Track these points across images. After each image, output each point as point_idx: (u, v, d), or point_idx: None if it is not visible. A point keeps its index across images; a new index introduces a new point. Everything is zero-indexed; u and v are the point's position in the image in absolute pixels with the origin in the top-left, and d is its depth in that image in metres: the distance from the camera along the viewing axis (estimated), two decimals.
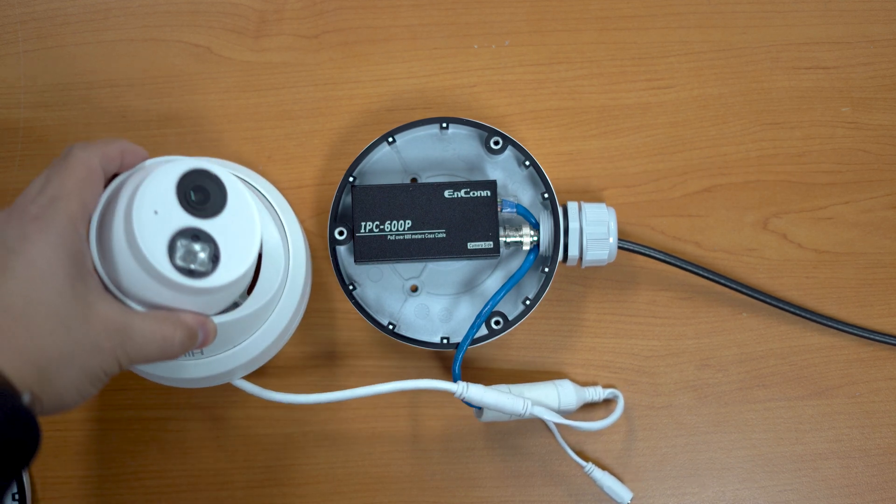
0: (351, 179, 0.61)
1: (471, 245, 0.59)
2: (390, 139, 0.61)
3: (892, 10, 0.67)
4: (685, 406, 0.64)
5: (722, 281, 0.63)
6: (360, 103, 0.66)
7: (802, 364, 0.64)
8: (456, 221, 0.59)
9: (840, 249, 0.65)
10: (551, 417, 0.59)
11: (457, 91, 0.66)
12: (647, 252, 0.62)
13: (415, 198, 0.59)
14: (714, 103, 0.66)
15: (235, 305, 0.55)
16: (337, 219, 0.61)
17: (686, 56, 0.66)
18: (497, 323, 0.60)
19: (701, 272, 0.62)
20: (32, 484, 0.63)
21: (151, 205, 0.49)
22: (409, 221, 0.59)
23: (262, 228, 0.53)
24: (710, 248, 0.65)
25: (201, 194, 0.51)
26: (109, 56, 0.66)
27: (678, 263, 0.62)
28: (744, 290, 0.63)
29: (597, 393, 0.62)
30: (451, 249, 0.59)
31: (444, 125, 0.61)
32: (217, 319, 0.54)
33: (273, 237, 0.56)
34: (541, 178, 0.60)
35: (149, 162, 0.53)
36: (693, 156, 0.66)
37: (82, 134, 0.65)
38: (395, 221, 0.59)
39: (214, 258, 0.50)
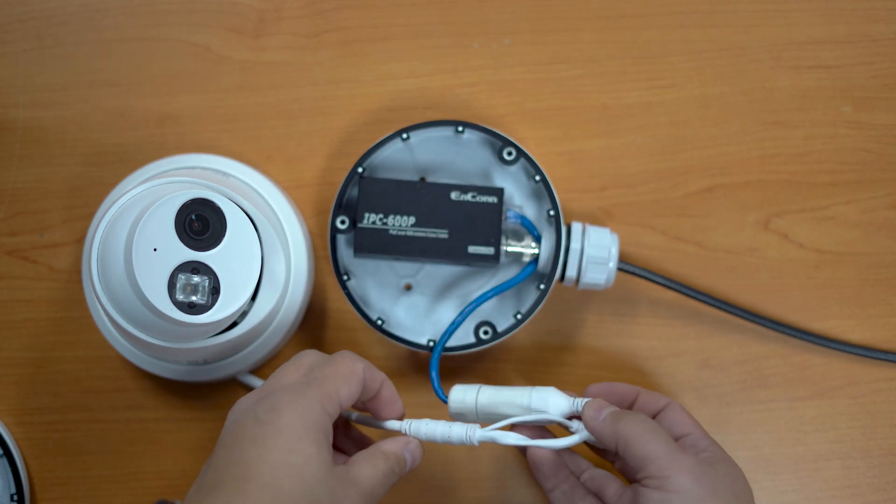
0: (360, 170, 0.60)
1: (471, 249, 0.59)
2: (404, 135, 0.60)
3: (893, 10, 0.66)
4: (686, 406, 0.63)
5: (725, 307, 0.62)
6: (359, 102, 0.66)
7: (804, 365, 0.64)
8: (459, 224, 0.59)
9: (842, 249, 0.65)
10: (505, 440, 0.53)
11: (457, 90, 0.66)
12: (648, 276, 0.61)
13: (421, 195, 0.59)
14: (715, 103, 0.66)
15: (243, 314, 0.55)
16: (341, 208, 0.60)
17: (687, 55, 0.66)
18: (486, 332, 0.60)
19: (701, 298, 0.62)
20: (31, 484, 0.63)
21: (150, 242, 0.50)
22: (413, 218, 0.59)
23: (263, 241, 0.53)
24: (712, 248, 0.65)
25: (201, 223, 0.51)
26: (108, 55, 0.66)
27: (679, 289, 0.62)
28: (747, 317, 0.63)
29: (580, 402, 0.55)
30: (451, 251, 0.59)
31: (460, 129, 0.60)
32: (220, 339, 0.54)
33: (274, 248, 0.56)
34: (549, 194, 0.60)
35: (154, 184, 0.53)
36: (694, 155, 0.65)
37: (81, 133, 0.65)
38: (398, 216, 0.59)
39: (215, 290, 0.51)
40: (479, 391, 0.55)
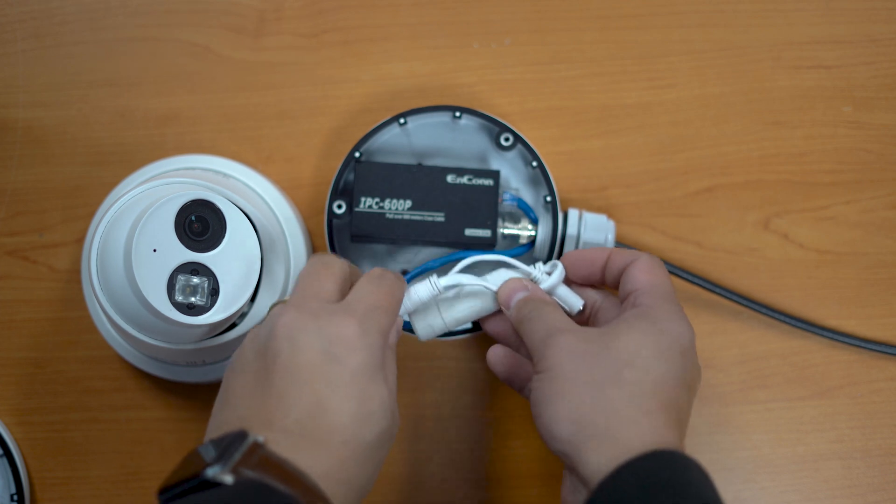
0: (357, 155, 0.60)
1: (468, 232, 0.59)
2: (402, 120, 0.60)
3: (893, 10, 0.66)
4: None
5: (720, 291, 0.62)
6: (359, 102, 0.66)
7: (803, 364, 0.64)
8: (456, 206, 0.59)
9: (842, 249, 0.65)
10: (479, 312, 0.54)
11: (457, 90, 0.66)
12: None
13: (417, 179, 0.59)
14: (715, 103, 0.66)
15: (243, 315, 0.55)
16: (338, 193, 0.60)
17: (687, 55, 0.66)
18: None
19: (699, 282, 0.62)
20: (31, 484, 0.63)
21: (150, 243, 0.50)
22: (410, 201, 0.59)
23: (262, 242, 0.53)
24: (712, 248, 0.65)
25: (201, 224, 0.51)
26: (108, 55, 0.66)
27: (676, 271, 0.62)
28: (741, 301, 0.63)
29: (537, 269, 0.54)
30: (448, 234, 0.58)
31: (458, 115, 0.60)
32: (220, 340, 0.54)
33: (274, 249, 0.56)
34: (545, 180, 0.60)
35: (154, 184, 0.53)
36: (694, 155, 0.65)
37: (81, 133, 0.65)
38: (395, 200, 0.59)
39: (214, 291, 0.51)
40: (435, 282, 0.53)
